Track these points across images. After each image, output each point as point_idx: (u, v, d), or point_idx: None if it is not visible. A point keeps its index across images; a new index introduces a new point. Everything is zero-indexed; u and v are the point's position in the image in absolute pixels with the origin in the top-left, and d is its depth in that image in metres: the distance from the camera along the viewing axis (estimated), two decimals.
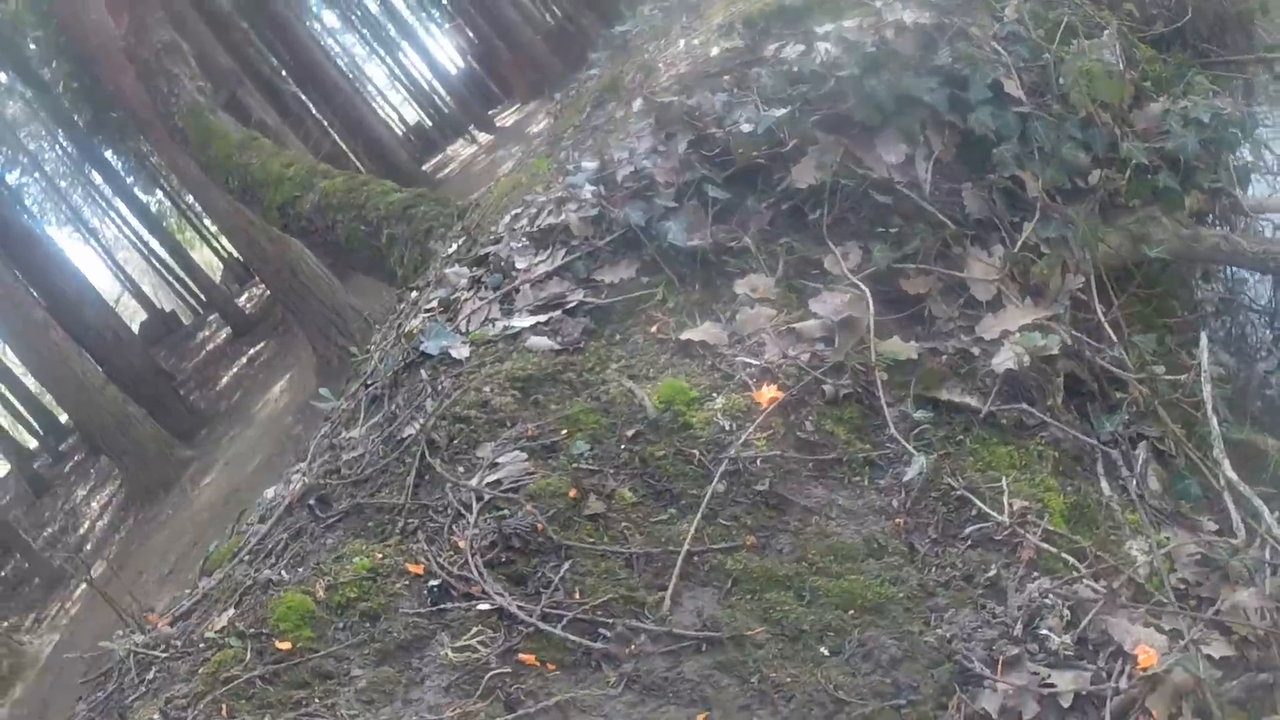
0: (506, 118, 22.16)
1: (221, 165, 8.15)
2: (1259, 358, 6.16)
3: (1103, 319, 4.06)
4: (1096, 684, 2.91)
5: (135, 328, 26.29)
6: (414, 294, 5.53)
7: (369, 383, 4.50)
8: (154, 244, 38.30)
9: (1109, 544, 3.40)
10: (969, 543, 3.31)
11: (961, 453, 3.57)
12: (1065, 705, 2.89)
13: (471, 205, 6.52)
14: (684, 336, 3.96)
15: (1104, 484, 3.62)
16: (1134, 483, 3.72)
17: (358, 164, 10.60)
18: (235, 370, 12.97)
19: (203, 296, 25.67)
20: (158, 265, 39.30)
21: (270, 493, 4.16)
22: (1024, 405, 3.65)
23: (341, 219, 7.27)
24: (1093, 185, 4.48)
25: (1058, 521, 3.39)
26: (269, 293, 11.54)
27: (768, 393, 3.65)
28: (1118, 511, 3.52)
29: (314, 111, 11.53)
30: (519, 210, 5.10)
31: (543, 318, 4.29)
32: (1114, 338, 4.03)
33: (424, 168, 11.03)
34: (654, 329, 4.07)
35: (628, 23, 7.41)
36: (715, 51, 5.48)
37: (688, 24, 6.41)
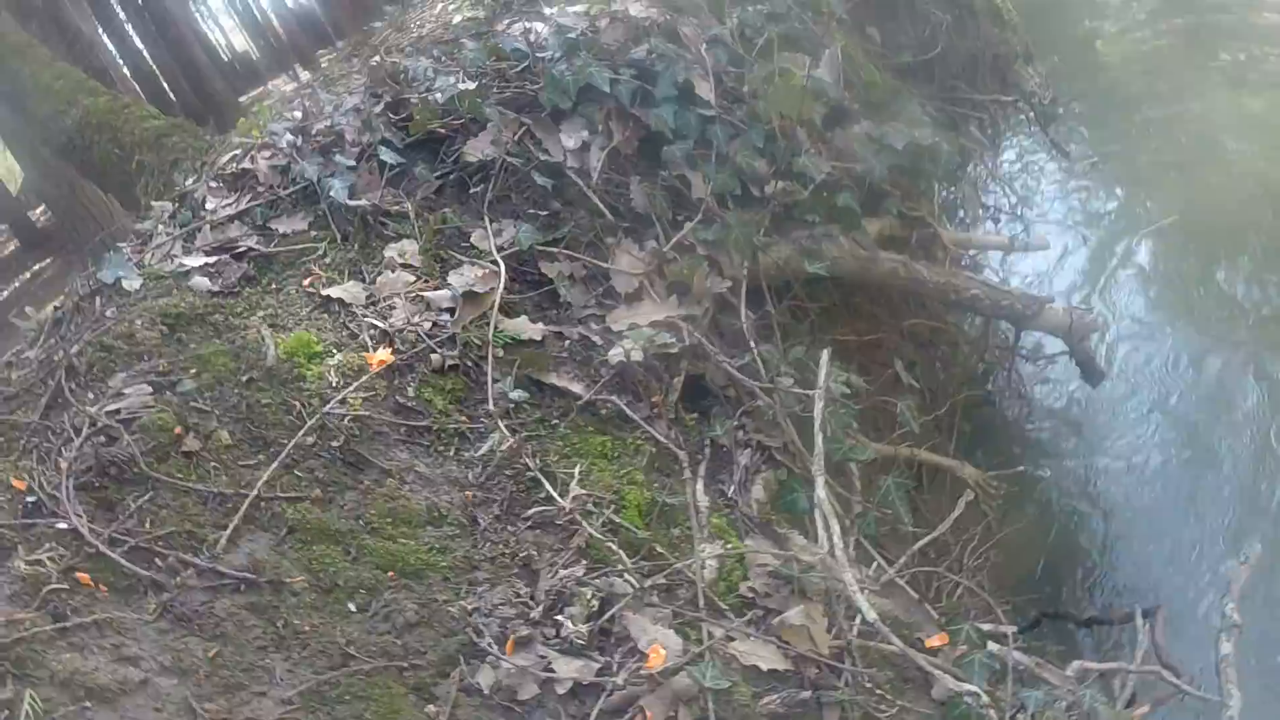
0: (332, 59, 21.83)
1: None
2: (967, 386, 6.33)
3: (745, 326, 4.10)
4: (600, 676, 2.95)
5: None
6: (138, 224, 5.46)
7: (58, 305, 4.44)
8: None
9: (679, 544, 3.44)
10: (529, 524, 3.34)
11: (553, 437, 3.61)
12: (562, 692, 2.92)
13: (218, 142, 6.44)
14: (326, 292, 3.95)
15: (698, 485, 3.65)
16: (732, 488, 3.77)
17: (170, 86, 10.35)
18: (16, 285, 12.58)
19: None
20: None
21: None
22: (615, 398, 3.67)
23: (98, 140, 7.12)
24: (768, 195, 4.53)
25: (631, 515, 3.42)
26: (54, 210, 11.29)
27: (379, 355, 3.66)
28: (703, 514, 3.56)
29: (133, 26, 11.14)
30: (232, 152, 5.06)
31: (212, 260, 4.27)
32: (752, 345, 4.06)
33: (241, 99, 10.78)
34: (307, 282, 4.08)
35: None
36: (458, 19, 5.48)
37: None
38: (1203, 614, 5.98)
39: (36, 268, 11.38)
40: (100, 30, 10.83)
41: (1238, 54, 11.14)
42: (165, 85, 10.34)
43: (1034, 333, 6.10)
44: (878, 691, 3.28)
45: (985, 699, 3.09)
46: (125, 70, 10.17)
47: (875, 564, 3.92)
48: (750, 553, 3.48)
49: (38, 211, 11.85)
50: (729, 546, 3.48)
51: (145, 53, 11.00)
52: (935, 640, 3.50)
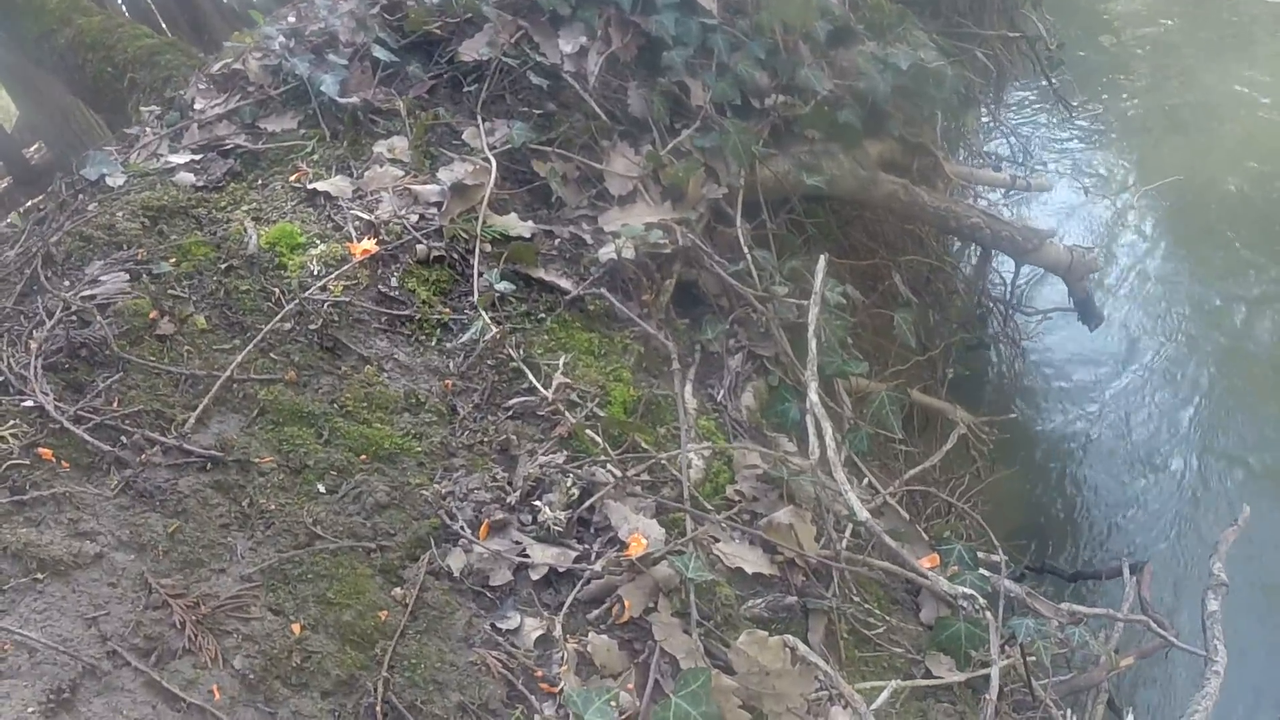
0: None
1: None
2: (962, 329, 6.26)
3: (740, 233, 4.01)
4: (578, 564, 2.87)
5: None
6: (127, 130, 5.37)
7: (41, 206, 4.37)
8: None
9: (665, 443, 3.36)
10: (510, 413, 3.25)
11: (539, 331, 3.52)
12: (536, 578, 2.84)
13: (211, 59, 6.34)
14: (312, 186, 3.86)
15: (688, 387, 3.57)
16: (721, 393, 3.69)
17: (166, 23, 10.19)
18: (6, 222, 12.48)
19: None
20: None
21: None
22: (604, 291, 3.57)
23: (91, 58, 7.01)
24: (769, 107, 4.44)
25: (617, 412, 3.33)
26: (48, 142, 11.17)
27: (363, 245, 3.56)
28: (690, 414, 3.47)
29: None
30: (224, 60, 4.97)
31: (197, 156, 4.19)
32: (746, 251, 3.97)
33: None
34: (294, 178, 3.99)
35: None
36: None
37: None
38: (1192, 572, 5.94)
39: (29, 204, 11.27)
40: None
41: (1246, 19, 11.05)
42: (163, 24, 10.21)
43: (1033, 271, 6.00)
44: (865, 605, 3.21)
45: (983, 601, 3.01)
46: (122, 6, 10.03)
47: (866, 480, 3.85)
48: (739, 450, 3.40)
49: (32, 149, 11.72)
50: (716, 445, 3.40)
51: None
52: (926, 561, 3.44)
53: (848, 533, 3.39)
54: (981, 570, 3.47)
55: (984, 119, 7.39)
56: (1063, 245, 5.59)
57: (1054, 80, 7.04)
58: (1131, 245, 8.24)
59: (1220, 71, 10.18)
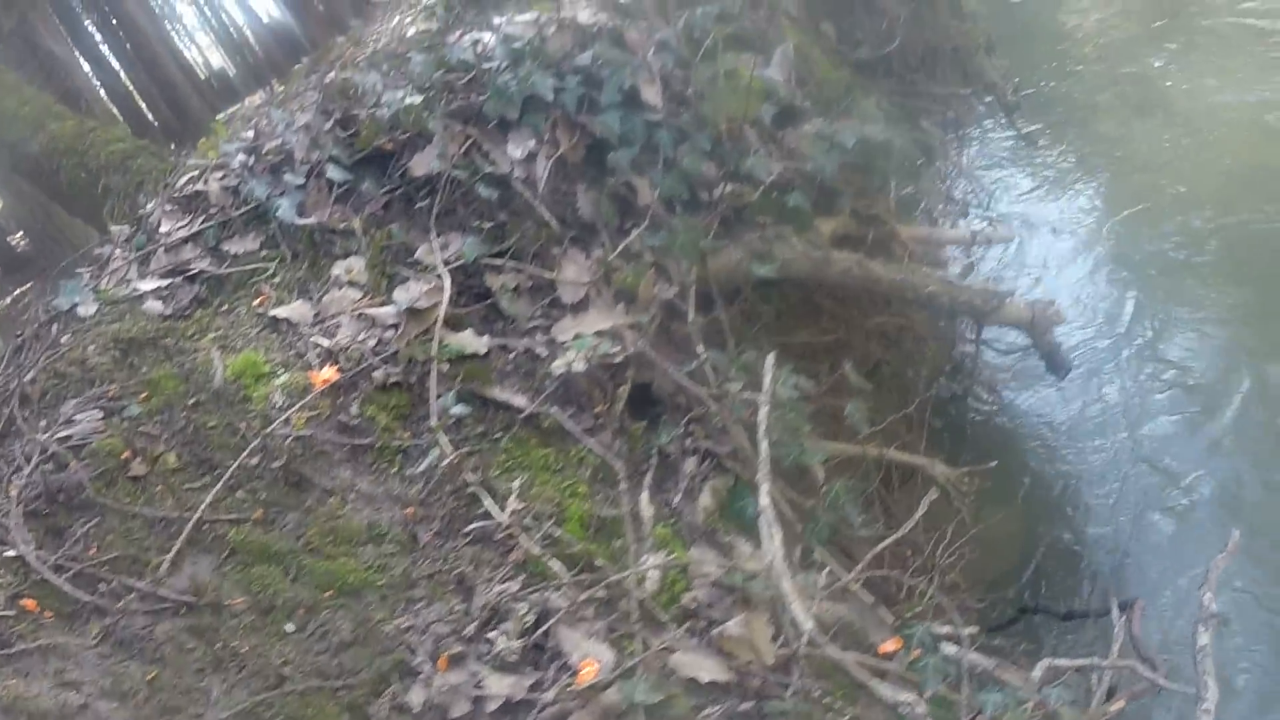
0: None
1: None
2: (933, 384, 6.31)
3: (692, 332, 4.09)
4: (532, 692, 2.95)
5: None
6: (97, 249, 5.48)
7: (18, 333, 4.46)
8: None
9: (623, 556, 3.43)
10: (469, 539, 3.34)
11: (495, 451, 3.60)
12: (493, 709, 2.93)
13: (181, 164, 6.44)
14: (274, 313, 3.95)
15: (643, 495, 3.64)
16: (677, 498, 3.76)
17: (147, 106, 10.39)
18: None
19: None
20: None
21: None
22: (557, 410, 3.66)
23: (65, 164, 7.12)
24: (717, 199, 4.52)
25: (574, 528, 3.42)
26: (31, 234, 11.37)
27: (324, 374, 3.66)
28: (645, 525, 3.55)
29: (108, 47, 11.06)
30: (189, 174, 5.06)
31: (164, 283, 4.28)
32: (699, 351, 4.04)
33: (219, 116, 10.68)
34: (257, 302, 4.08)
35: None
36: (411, 31, 5.48)
37: None
38: (1190, 604, 5.94)
39: (17, 292, 11.41)
40: (75, 52, 10.85)
41: (1209, 43, 11.10)
42: (143, 105, 10.37)
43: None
44: (825, 700, 3.26)
45: (922, 709, 3.08)
46: (101, 92, 10.18)
47: (827, 570, 3.90)
48: (693, 564, 3.47)
49: (17, 236, 11.88)
50: (672, 557, 3.47)
51: (121, 74, 10.99)
52: (889, 645, 3.48)
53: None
54: (945, 648, 3.51)
55: (944, 169, 7.46)
56: (1023, 302, 5.67)
57: (1015, 123, 7.12)
58: (1103, 279, 8.29)
59: (1185, 94, 10.25)
